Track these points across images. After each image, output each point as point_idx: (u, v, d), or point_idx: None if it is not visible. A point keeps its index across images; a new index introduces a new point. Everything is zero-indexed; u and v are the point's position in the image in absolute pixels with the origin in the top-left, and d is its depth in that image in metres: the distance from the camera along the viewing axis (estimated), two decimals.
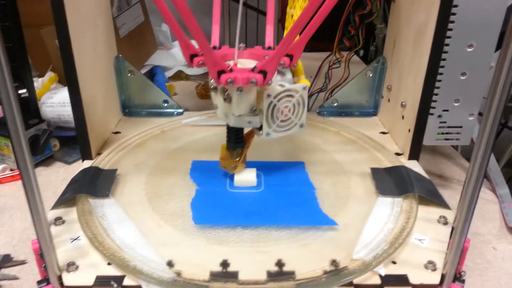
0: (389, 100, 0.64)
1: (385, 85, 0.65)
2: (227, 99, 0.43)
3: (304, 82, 0.45)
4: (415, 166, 0.54)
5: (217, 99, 0.45)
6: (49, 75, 0.85)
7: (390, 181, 0.49)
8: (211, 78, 0.42)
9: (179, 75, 1.06)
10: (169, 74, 1.05)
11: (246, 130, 0.49)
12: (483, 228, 0.55)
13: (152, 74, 1.00)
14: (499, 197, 0.60)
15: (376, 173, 0.51)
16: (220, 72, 0.40)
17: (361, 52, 1.04)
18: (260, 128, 0.45)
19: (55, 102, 0.72)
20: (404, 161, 0.55)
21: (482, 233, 0.54)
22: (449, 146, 0.75)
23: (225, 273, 0.37)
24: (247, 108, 0.43)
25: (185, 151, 0.57)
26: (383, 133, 0.63)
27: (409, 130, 0.55)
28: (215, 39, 0.47)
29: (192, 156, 0.55)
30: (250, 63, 0.43)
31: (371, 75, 0.67)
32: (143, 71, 0.96)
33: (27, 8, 0.64)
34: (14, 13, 0.61)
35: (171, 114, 0.70)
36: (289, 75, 0.45)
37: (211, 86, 0.45)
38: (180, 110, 0.71)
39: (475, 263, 0.50)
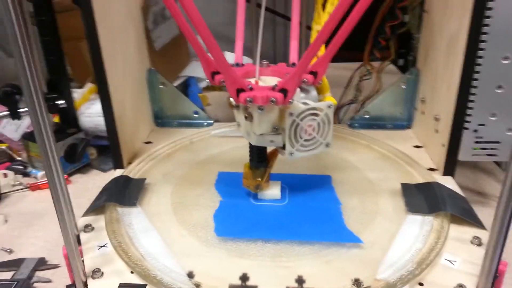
0: (423, 113, 0.61)
1: (419, 97, 0.63)
2: (248, 117, 0.42)
3: (330, 100, 0.44)
4: (449, 182, 0.51)
5: (239, 117, 0.44)
6: (89, 86, 0.89)
7: (421, 198, 0.47)
8: (230, 96, 0.42)
9: (212, 86, 1.08)
10: (203, 84, 1.07)
11: (269, 149, 0.48)
12: None
13: (186, 85, 1.03)
14: None
15: (407, 189, 0.49)
16: (239, 91, 0.40)
17: (401, 61, 1.01)
18: (284, 147, 0.44)
19: (93, 112, 0.75)
20: (438, 177, 0.52)
21: None
22: (491, 162, 0.71)
23: (244, 287, 0.37)
24: (269, 127, 0.42)
25: (212, 162, 0.58)
26: (417, 147, 0.61)
27: (443, 145, 0.53)
28: (238, 56, 0.47)
29: (219, 167, 0.56)
30: (272, 81, 0.43)
31: (404, 86, 0.65)
32: (178, 82, 0.99)
33: (66, 22, 0.68)
34: (53, 28, 0.65)
35: (201, 125, 0.71)
36: (313, 93, 0.44)
37: (233, 105, 0.44)
38: (210, 121, 0.71)
39: None
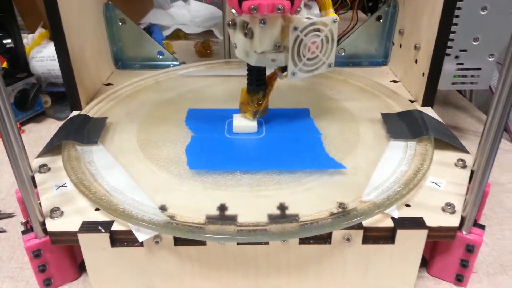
0: (401, 46, 0.59)
1: (396, 29, 0.60)
2: (249, 33, 0.38)
3: (333, 15, 0.40)
4: (429, 112, 0.49)
5: (236, 36, 0.40)
6: (40, 31, 0.81)
7: (403, 125, 0.45)
8: (232, 8, 0.37)
9: (177, 34, 1.01)
10: (166, 33, 1.00)
11: (267, 72, 0.44)
12: (502, 178, 0.52)
13: (149, 32, 0.96)
14: None
15: (387, 117, 0.47)
16: (242, 0, 0.35)
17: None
18: (284, 68, 0.41)
19: (45, 56, 0.68)
20: (418, 107, 0.51)
21: (501, 183, 0.51)
22: (463, 98, 0.71)
23: (222, 216, 0.34)
24: (271, 44, 0.39)
25: (180, 101, 0.53)
26: (394, 81, 0.59)
27: (423, 74, 0.51)
28: None
29: (188, 105, 0.51)
30: None
31: (381, 20, 0.62)
32: None
33: None
34: None
35: (166, 67, 0.65)
36: (316, 9, 0.40)
37: (229, 22, 0.40)
38: (177, 62, 0.66)
39: (494, 212, 0.46)
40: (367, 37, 0.64)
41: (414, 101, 0.53)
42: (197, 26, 1.05)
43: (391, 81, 0.59)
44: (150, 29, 0.96)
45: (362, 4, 0.65)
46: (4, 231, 0.44)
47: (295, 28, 0.38)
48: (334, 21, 0.39)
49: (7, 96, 0.30)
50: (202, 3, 1.12)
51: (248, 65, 0.42)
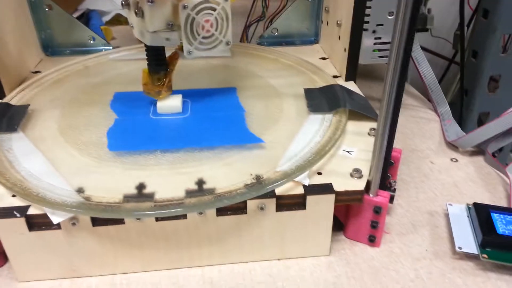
0: (327, 24, 0.61)
1: (323, 7, 0.62)
2: (139, 13, 0.39)
3: None
4: (351, 86, 0.52)
5: (131, 16, 0.41)
6: None
7: (323, 99, 0.47)
8: None
9: (118, 19, 0.99)
10: (106, 18, 0.98)
11: (169, 53, 0.45)
12: (422, 145, 0.55)
13: (87, 18, 0.93)
14: (440, 115, 0.60)
15: (309, 92, 0.49)
16: None
17: None
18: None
19: None
20: (341, 82, 0.53)
21: (421, 149, 0.54)
22: None
23: (140, 194, 0.35)
24: (162, 23, 0.39)
25: (108, 84, 0.53)
26: (323, 58, 0.61)
27: (344, 50, 0.53)
28: None
29: (116, 89, 0.51)
30: None
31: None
32: (76, 15, 0.89)
33: None
34: None
35: (98, 52, 0.64)
36: None
37: (122, 2, 0.40)
38: (109, 47, 0.65)
39: (412, 176, 0.49)
40: (298, 16, 0.65)
41: (339, 76, 0.55)
42: None
43: (320, 58, 0.61)
44: (88, 15, 0.93)
45: None
46: None
47: (185, 7, 0.38)
48: (226, 0, 0.40)
49: None
50: None
51: (146, 45, 0.42)
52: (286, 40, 0.67)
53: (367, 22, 0.50)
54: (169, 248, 0.36)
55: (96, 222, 0.34)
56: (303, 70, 0.56)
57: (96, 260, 0.36)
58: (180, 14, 0.38)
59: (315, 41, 0.67)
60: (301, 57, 0.59)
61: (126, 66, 0.58)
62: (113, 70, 0.56)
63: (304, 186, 0.36)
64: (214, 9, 0.40)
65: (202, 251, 0.37)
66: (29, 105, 0.47)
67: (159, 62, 0.43)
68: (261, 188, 0.34)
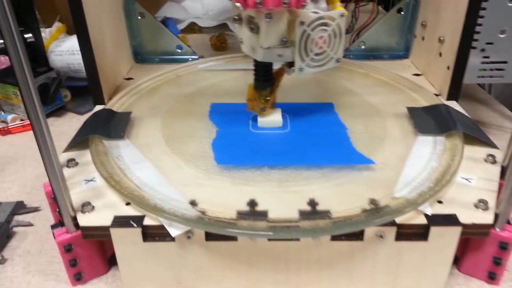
0: (423, 39, 0.58)
1: (418, 22, 0.59)
2: (254, 28, 0.38)
3: (341, 9, 0.39)
4: (454, 106, 0.49)
5: (241, 31, 0.40)
6: (57, 25, 0.81)
7: (430, 120, 0.45)
8: (236, 2, 0.37)
9: (192, 28, 1.01)
10: (181, 26, 1.00)
11: (275, 68, 0.44)
12: None
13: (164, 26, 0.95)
14: None
15: (413, 112, 0.46)
16: None
17: None
18: (291, 64, 0.40)
19: (64, 50, 0.68)
20: (443, 102, 0.50)
21: None
22: (484, 92, 0.70)
23: (253, 212, 0.34)
24: (277, 39, 0.38)
25: (201, 95, 0.53)
26: (417, 75, 0.58)
27: (448, 68, 0.50)
28: None
29: (209, 100, 0.51)
30: None
31: (402, 12, 0.61)
32: None
33: None
34: None
35: (185, 61, 0.65)
36: (323, 3, 0.40)
37: (235, 17, 0.40)
38: (195, 57, 0.66)
39: None
40: (388, 30, 0.63)
41: (439, 94, 0.52)
42: (211, 19, 1.05)
43: (413, 74, 0.58)
44: (165, 23, 0.96)
45: None
46: (31, 225, 0.44)
47: (302, 23, 0.37)
48: (342, 15, 0.39)
49: (36, 89, 0.31)
50: None
51: (255, 60, 0.42)
52: (373, 54, 0.65)
53: (476, 40, 0.48)
54: (277, 268, 0.35)
55: (209, 237, 0.34)
56: (400, 87, 0.53)
57: (204, 275, 0.36)
58: (296, 30, 0.37)
59: (405, 55, 0.64)
60: (390, 72, 0.57)
61: (215, 76, 0.59)
62: (203, 81, 0.57)
63: (426, 215, 0.34)
64: (329, 25, 0.38)
65: (310, 275, 0.36)
66: (131, 112, 0.48)
67: (267, 78, 0.43)
68: (382, 216, 0.32)
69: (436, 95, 0.52)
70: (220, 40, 0.90)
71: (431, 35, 0.55)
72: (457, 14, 0.48)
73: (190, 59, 0.66)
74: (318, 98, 0.51)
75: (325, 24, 0.38)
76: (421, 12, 0.59)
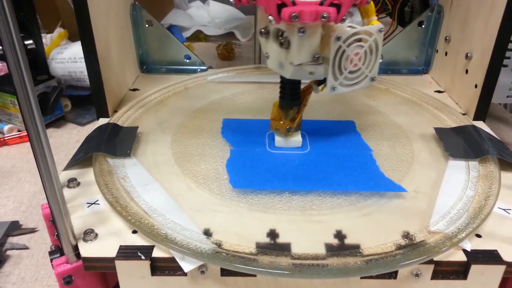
0: (446, 54, 0.55)
1: (441, 36, 0.57)
2: (285, 43, 0.35)
3: (378, 24, 0.36)
4: (482, 126, 0.46)
5: (268, 46, 0.37)
6: (58, 31, 0.78)
7: (460, 142, 0.42)
8: (269, 15, 0.34)
9: (197, 36, 0.98)
10: (186, 34, 0.97)
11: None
12: None
13: None
14: None
15: (442, 133, 0.43)
16: (281, 6, 0.32)
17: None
18: (320, 82, 0.37)
19: (66, 58, 0.65)
20: (469, 121, 0.47)
21: None
22: (505, 110, 0.67)
23: (274, 245, 0.31)
24: (309, 55, 0.35)
25: (212, 109, 0.50)
26: (439, 91, 0.55)
27: (475, 86, 0.47)
28: None
29: (221, 115, 0.48)
30: None
31: (423, 26, 0.58)
32: None
33: None
34: None
35: (193, 72, 0.62)
36: (358, 17, 0.37)
37: (261, 30, 0.37)
38: (204, 67, 0.63)
39: None
40: (407, 44, 0.60)
41: (465, 114, 0.49)
42: (218, 27, 1.02)
43: (435, 91, 0.55)
44: (170, 30, 0.92)
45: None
46: (26, 248, 0.41)
47: (338, 38, 0.34)
48: (380, 30, 0.36)
49: (36, 100, 0.27)
50: (221, 4, 1.08)
51: (282, 77, 0.38)
52: (391, 68, 0.62)
53: (508, 58, 0.45)
54: None
55: (225, 271, 0.30)
56: (424, 105, 0.50)
57: None
58: (331, 46, 0.34)
59: (424, 71, 0.61)
60: (411, 88, 0.54)
61: (226, 89, 0.55)
62: (214, 93, 0.54)
63: (465, 251, 0.30)
64: (366, 41, 0.35)
65: None
66: (137, 127, 0.45)
67: (294, 97, 0.39)
68: (421, 254, 0.29)
69: (462, 114, 0.49)
70: (227, 50, 0.87)
71: (456, 50, 0.52)
72: (488, 30, 0.45)
73: (199, 69, 0.63)
74: (337, 115, 0.48)
75: (361, 40, 0.35)
76: (445, 26, 0.56)
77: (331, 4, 0.32)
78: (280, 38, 0.34)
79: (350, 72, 0.36)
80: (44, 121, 0.28)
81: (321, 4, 0.32)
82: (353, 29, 0.34)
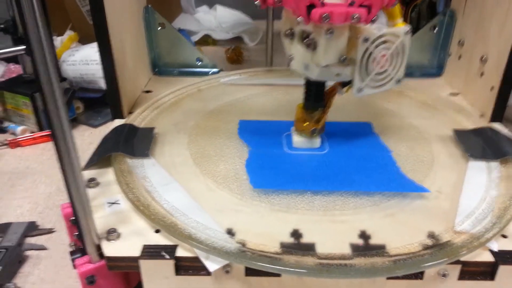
0: (460, 57, 0.55)
1: (454, 40, 0.57)
2: (311, 45, 0.35)
3: (405, 25, 0.36)
4: (499, 128, 0.46)
5: (293, 47, 0.37)
6: (69, 34, 0.78)
7: (480, 144, 0.41)
8: (298, 16, 0.33)
9: (205, 40, 0.99)
10: (194, 38, 0.97)
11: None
12: None
13: None
14: None
15: (462, 135, 0.43)
16: (310, 7, 0.32)
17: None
18: (345, 83, 0.37)
19: (77, 60, 0.65)
20: (485, 123, 0.47)
21: None
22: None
23: (299, 245, 0.30)
24: (336, 56, 0.35)
25: (227, 111, 0.50)
26: (454, 94, 0.55)
27: (491, 88, 0.47)
28: None
29: (235, 116, 0.48)
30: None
31: (436, 29, 0.59)
32: None
33: None
34: None
35: (205, 74, 0.62)
36: (383, 18, 0.37)
37: (286, 32, 0.37)
38: (216, 70, 0.63)
39: None
40: (420, 47, 0.60)
41: (482, 116, 0.49)
42: (225, 32, 1.02)
43: (450, 94, 0.55)
44: None
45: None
46: (44, 248, 0.41)
47: (366, 40, 0.34)
48: (407, 33, 0.36)
49: (63, 100, 0.28)
50: (228, 8, 1.09)
51: (307, 79, 0.38)
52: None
53: None
54: None
55: (249, 271, 0.30)
56: (438, 106, 0.50)
57: None
58: (359, 48, 0.34)
59: (437, 74, 0.61)
60: (425, 91, 0.54)
61: (239, 91, 0.55)
62: (227, 95, 0.54)
63: (492, 252, 0.30)
64: (392, 43, 0.35)
65: None
66: (154, 128, 0.45)
67: (319, 98, 0.39)
68: (448, 254, 0.29)
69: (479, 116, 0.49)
70: (236, 53, 0.88)
71: (470, 53, 0.53)
72: (504, 33, 0.45)
73: (210, 72, 0.63)
74: (353, 116, 0.48)
75: (388, 42, 0.35)
76: (458, 30, 0.56)
77: (361, 5, 0.32)
78: (306, 39, 0.34)
79: (377, 74, 0.36)
80: None
81: (351, 5, 0.32)
82: (381, 31, 0.34)
